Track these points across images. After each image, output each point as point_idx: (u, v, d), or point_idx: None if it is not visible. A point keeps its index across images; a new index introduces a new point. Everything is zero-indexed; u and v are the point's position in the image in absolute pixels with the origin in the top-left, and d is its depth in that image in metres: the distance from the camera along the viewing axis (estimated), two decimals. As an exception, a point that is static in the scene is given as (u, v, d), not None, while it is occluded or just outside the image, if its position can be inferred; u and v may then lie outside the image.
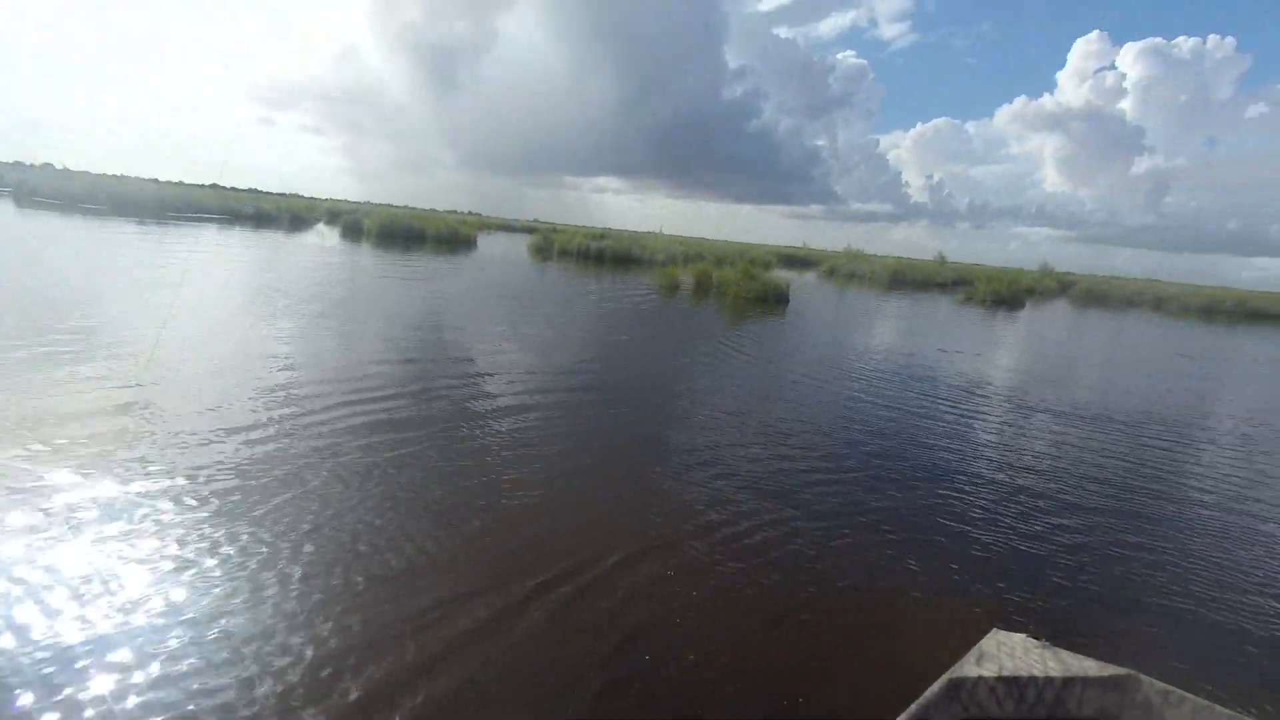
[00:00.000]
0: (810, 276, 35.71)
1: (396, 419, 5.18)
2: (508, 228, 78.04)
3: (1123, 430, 7.13)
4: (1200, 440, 7.11)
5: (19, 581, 2.68)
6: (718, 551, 3.61)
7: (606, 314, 13.11)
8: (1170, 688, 1.66)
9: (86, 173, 50.70)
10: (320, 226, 36.26)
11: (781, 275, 22.12)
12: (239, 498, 3.57)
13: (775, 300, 17.94)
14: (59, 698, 2.14)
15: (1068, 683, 1.73)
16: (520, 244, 40.00)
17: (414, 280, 15.59)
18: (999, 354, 13.00)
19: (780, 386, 7.96)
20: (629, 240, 35.13)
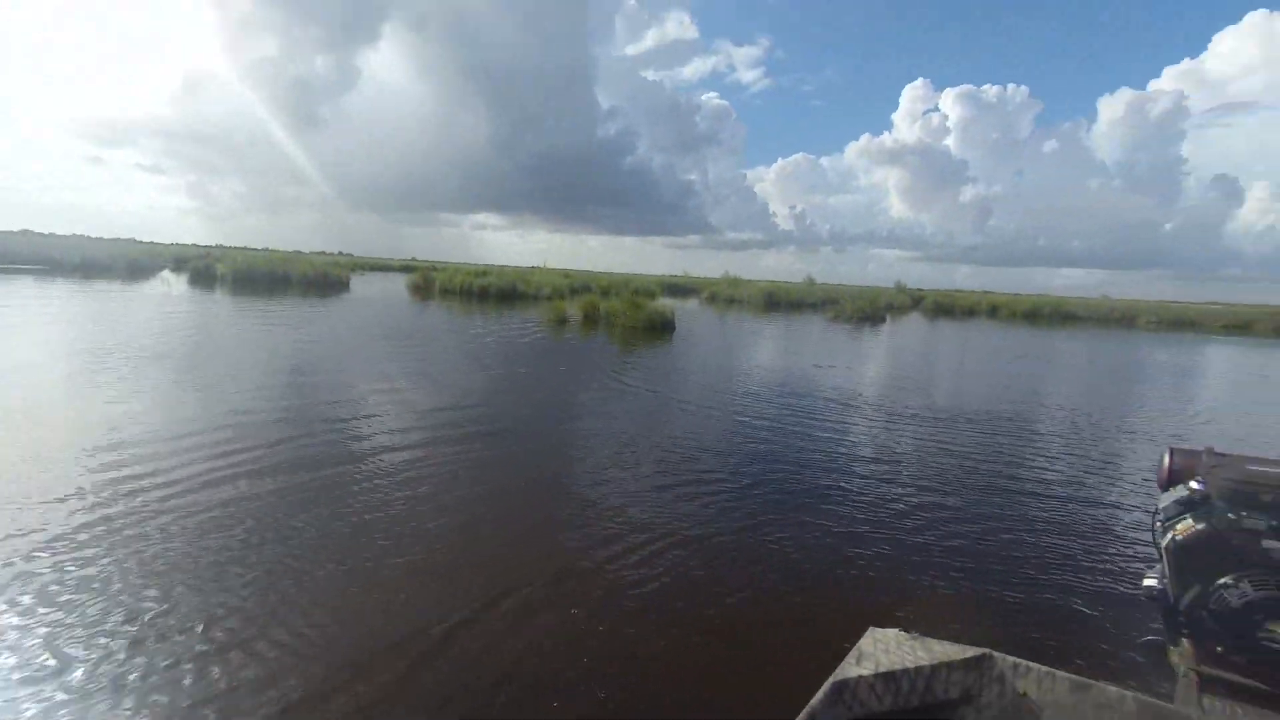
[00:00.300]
0: (693, 303, 37.00)
1: (248, 479, 4.65)
2: (384, 268, 74.75)
3: (975, 429, 7.87)
4: (1039, 434, 7.98)
5: None
6: (610, 578, 3.53)
7: (493, 351, 12.75)
8: (1020, 660, 1.82)
9: None
10: (165, 274, 32.75)
11: (666, 303, 22.72)
12: (33, 587, 3.00)
13: (662, 328, 18.34)
14: None
15: (935, 669, 1.85)
16: (398, 284, 38.32)
17: (278, 327, 14.38)
18: (867, 366, 14.04)
19: (670, 413, 8.06)
20: (513, 276, 34.74)
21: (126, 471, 4.59)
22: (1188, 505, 1.55)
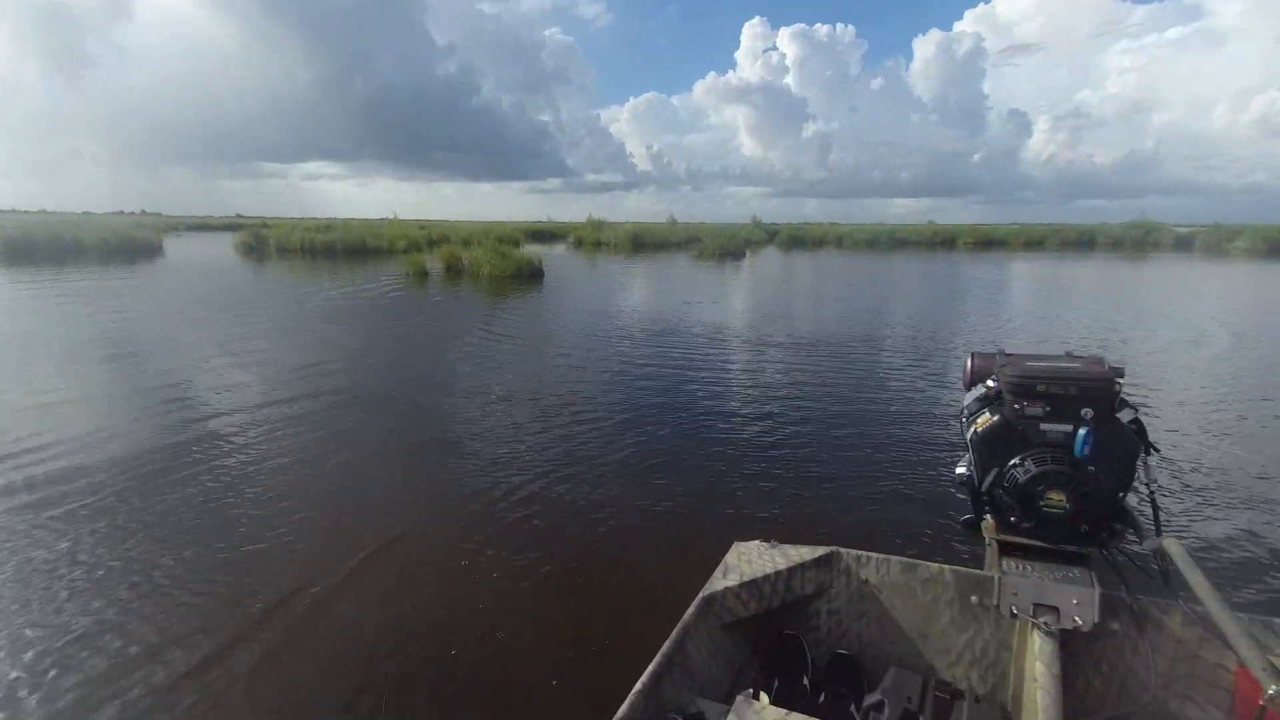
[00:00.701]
0: (560, 249, 36.37)
1: (55, 473, 4.01)
2: (203, 227, 66.02)
3: (827, 352, 8.56)
4: (880, 351, 8.83)
5: None
6: (495, 524, 3.55)
7: (349, 312, 11.79)
8: (861, 552, 2.04)
9: None
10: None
11: (532, 250, 22.12)
12: None
13: (530, 275, 17.92)
14: None
15: (792, 571, 2.04)
16: (224, 245, 33.98)
17: (76, 302, 12.23)
18: (732, 300, 14.69)
19: (544, 360, 7.97)
20: (361, 230, 32.01)
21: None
22: (985, 401, 1.76)
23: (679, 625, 1.77)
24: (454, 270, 19.01)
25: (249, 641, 2.56)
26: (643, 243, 37.48)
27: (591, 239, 38.90)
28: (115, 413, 5.42)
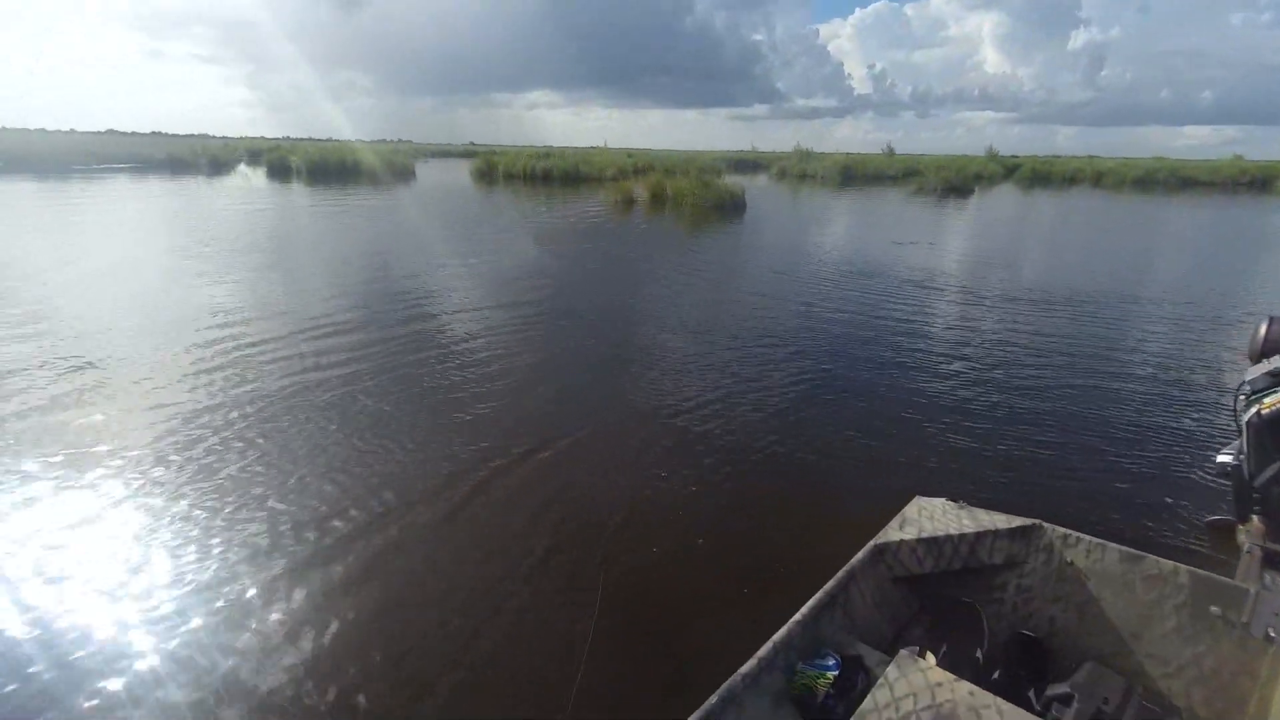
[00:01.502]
0: (762, 180, 35.21)
1: (347, 354, 5.14)
2: (445, 154, 74.20)
3: (1058, 308, 7.48)
4: (1125, 312, 7.48)
5: None
6: (664, 437, 3.87)
7: (562, 234, 12.81)
8: (1069, 531, 1.85)
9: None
10: (243, 168, 33.84)
11: (734, 181, 21.77)
12: (177, 461, 3.53)
13: (732, 207, 17.77)
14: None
15: (980, 536, 1.92)
16: (461, 170, 38.18)
17: (362, 216, 14.85)
18: (951, 242, 13.27)
19: (739, 293, 8.03)
20: (575, 157, 33.86)
21: (229, 358, 5.14)
22: (1279, 377, 1.48)
23: (846, 567, 1.79)
24: (658, 199, 19.48)
25: (458, 497, 3.16)
26: (853, 175, 34.82)
27: (797, 170, 37.03)
28: (376, 302, 6.68)
